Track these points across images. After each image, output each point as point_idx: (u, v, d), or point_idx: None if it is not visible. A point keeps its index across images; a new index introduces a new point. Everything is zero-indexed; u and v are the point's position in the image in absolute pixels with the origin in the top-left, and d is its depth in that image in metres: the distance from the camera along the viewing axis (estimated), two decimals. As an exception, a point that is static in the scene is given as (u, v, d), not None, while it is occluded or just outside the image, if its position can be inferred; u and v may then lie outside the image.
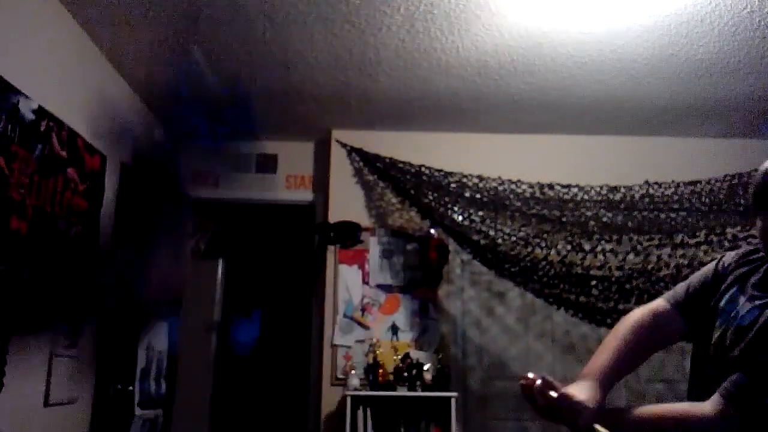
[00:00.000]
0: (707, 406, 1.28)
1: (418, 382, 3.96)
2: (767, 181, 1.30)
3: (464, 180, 4.23)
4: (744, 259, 1.46)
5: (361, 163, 4.47)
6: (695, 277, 1.54)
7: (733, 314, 1.37)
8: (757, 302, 1.35)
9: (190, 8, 3.03)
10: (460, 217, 4.13)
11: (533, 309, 4.32)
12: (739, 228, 3.93)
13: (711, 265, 1.52)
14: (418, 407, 3.98)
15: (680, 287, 1.54)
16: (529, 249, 4.00)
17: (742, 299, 1.38)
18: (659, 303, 1.53)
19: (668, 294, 1.55)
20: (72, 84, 3.19)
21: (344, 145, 4.50)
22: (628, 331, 1.47)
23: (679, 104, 4.02)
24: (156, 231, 4.00)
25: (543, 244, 4.00)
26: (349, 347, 4.20)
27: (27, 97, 2.68)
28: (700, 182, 4.20)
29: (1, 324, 2.51)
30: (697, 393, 1.38)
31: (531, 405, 1.39)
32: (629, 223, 4.08)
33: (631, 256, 3.92)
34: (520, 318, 4.36)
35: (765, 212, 1.30)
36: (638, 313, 1.51)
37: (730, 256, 1.50)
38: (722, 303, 1.42)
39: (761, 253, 1.40)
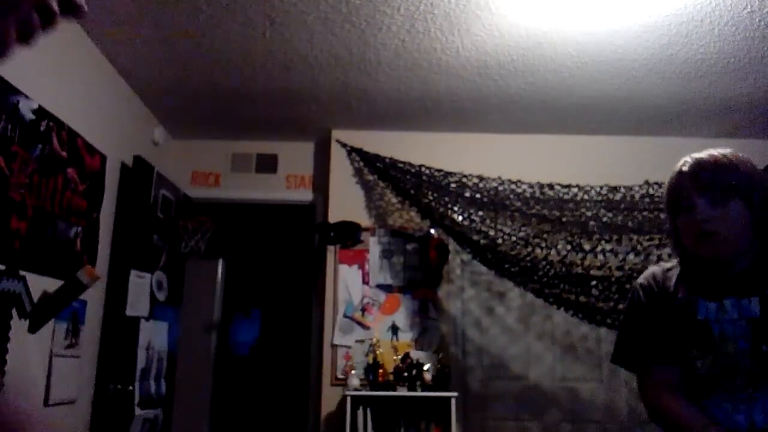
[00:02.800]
0: None
1: (418, 382, 3.96)
2: (678, 185, 1.48)
3: (464, 180, 4.23)
4: (665, 275, 1.55)
5: (361, 163, 4.47)
6: (636, 327, 1.56)
7: (721, 323, 1.42)
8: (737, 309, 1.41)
9: (190, 8, 3.03)
10: (460, 217, 4.13)
11: (533, 309, 4.32)
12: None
13: (636, 303, 1.56)
14: (418, 407, 3.98)
15: (633, 348, 1.55)
16: (529, 249, 4.00)
17: (713, 306, 1.44)
18: (655, 374, 1.52)
19: (640, 362, 1.55)
20: (72, 84, 3.19)
21: (344, 145, 4.51)
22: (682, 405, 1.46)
23: (679, 104, 4.02)
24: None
25: (543, 244, 3.99)
26: (349, 347, 4.20)
27: (27, 97, 2.69)
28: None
29: (1, 324, 2.51)
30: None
31: None
32: (629, 223, 4.07)
33: (631, 256, 3.92)
34: (520, 318, 4.36)
35: (684, 214, 1.46)
36: (665, 396, 1.49)
37: (648, 278, 1.57)
38: (699, 317, 1.45)
39: (672, 262, 1.55)
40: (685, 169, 1.48)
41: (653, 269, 1.59)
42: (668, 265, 1.58)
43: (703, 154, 1.47)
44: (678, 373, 1.48)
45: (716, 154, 1.46)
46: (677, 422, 1.42)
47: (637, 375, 1.58)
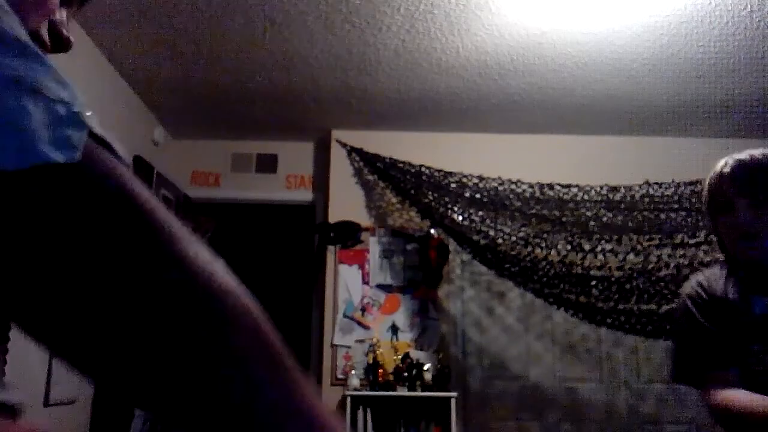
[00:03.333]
0: None
1: (418, 382, 3.96)
2: (718, 186, 1.46)
3: (464, 180, 4.23)
4: (710, 280, 1.52)
5: (361, 163, 4.47)
6: (691, 339, 1.51)
7: None
8: None
9: (189, 8, 3.03)
10: (460, 217, 4.13)
11: (533, 309, 4.32)
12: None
13: (687, 315, 1.51)
14: (418, 407, 3.98)
15: (692, 361, 1.50)
16: (529, 249, 4.00)
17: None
18: (720, 380, 1.47)
19: (702, 374, 1.50)
20: (71, 84, 3.19)
21: (344, 145, 4.51)
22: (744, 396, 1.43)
23: (679, 104, 4.02)
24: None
25: (543, 244, 3.99)
26: (349, 347, 4.20)
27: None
28: (700, 182, 4.19)
29: (1, 323, 2.51)
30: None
31: None
32: (629, 223, 4.08)
33: (631, 256, 3.92)
34: (520, 318, 4.36)
35: (724, 216, 1.45)
36: (732, 394, 1.45)
37: (695, 287, 1.52)
38: (754, 314, 1.44)
39: (714, 267, 1.54)
40: (725, 170, 1.46)
41: (696, 277, 1.56)
42: (710, 270, 1.56)
43: (743, 155, 1.45)
44: (739, 374, 1.44)
45: (757, 155, 1.45)
46: (755, 413, 1.35)
47: (700, 387, 1.50)
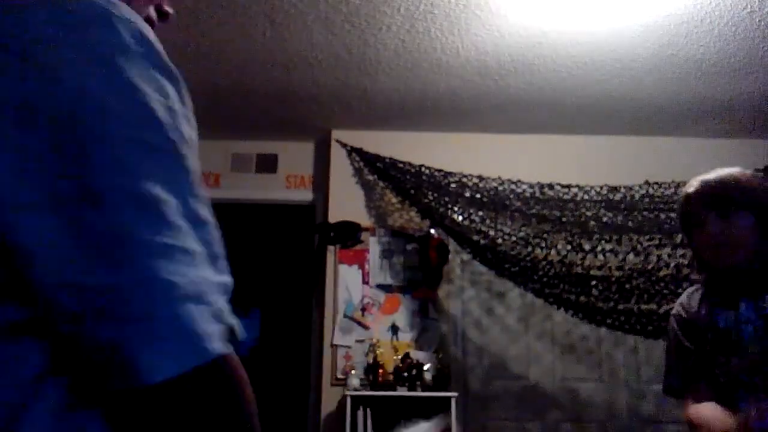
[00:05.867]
0: None
1: (418, 382, 3.96)
2: (687, 206, 1.59)
3: (464, 180, 4.23)
4: (690, 298, 1.66)
5: (361, 163, 4.47)
6: (675, 356, 1.66)
7: (735, 333, 1.52)
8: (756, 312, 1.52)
9: (190, 8, 3.03)
10: (460, 217, 4.13)
11: (533, 309, 4.32)
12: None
13: (671, 332, 1.67)
14: (418, 407, 3.98)
15: (676, 376, 1.64)
16: (529, 249, 4.00)
17: (730, 314, 1.55)
18: (695, 394, 1.60)
19: (685, 383, 1.62)
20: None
21: (344, 145, 4.51)
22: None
23: (679, 104, 4.02)
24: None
25: (543, 244, 4.00)
26: (349, 347, 4.20)
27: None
28: (700, 182, 4.19)
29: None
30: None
31: None
32: (629, 223, 4.08)
33: (631, 256, 3.92)
34: (520, 318, 4.36)
35: (697, 231, 1.57)
36: (693, 406, 1.58)
37: (678, 307, 1.69)
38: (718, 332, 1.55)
39: (696, 286, 1.67)
40: (691, 190, 1.60)
41: (681, 297, 1.70)
42: (692, 289, 1.69)
43: (710, 175, 1.59)
44: (709, 387, 1.57)
45: (722, 173, 1.58)
46: (701, 423, 1.51)
47: (681, 400, 1.65)
